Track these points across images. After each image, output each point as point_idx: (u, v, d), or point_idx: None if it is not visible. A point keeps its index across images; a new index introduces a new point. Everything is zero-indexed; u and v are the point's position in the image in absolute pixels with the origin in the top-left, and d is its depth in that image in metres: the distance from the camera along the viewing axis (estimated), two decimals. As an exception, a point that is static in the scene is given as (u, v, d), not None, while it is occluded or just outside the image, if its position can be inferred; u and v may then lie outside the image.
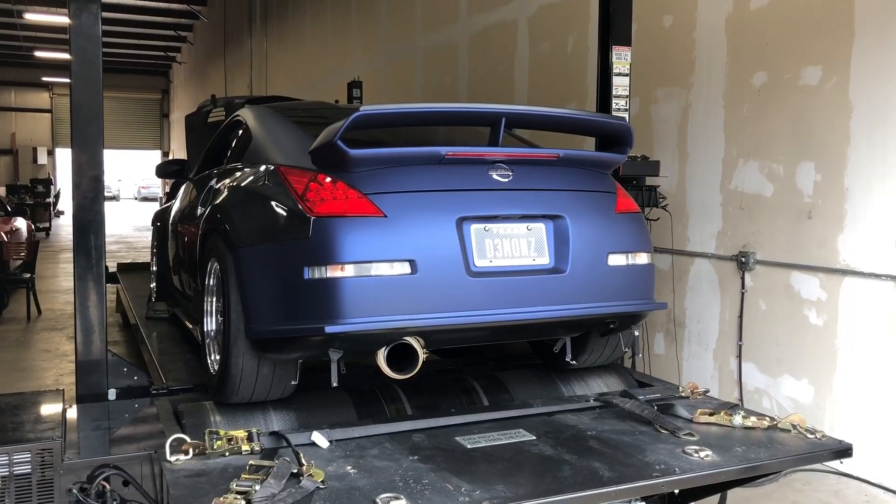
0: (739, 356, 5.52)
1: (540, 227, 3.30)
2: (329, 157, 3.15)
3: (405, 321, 2.98)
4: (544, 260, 3.27)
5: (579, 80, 7.16)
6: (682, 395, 3.83)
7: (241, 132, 4.33)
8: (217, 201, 3.77)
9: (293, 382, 3.36)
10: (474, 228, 3.16)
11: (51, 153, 33.28)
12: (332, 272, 2.95)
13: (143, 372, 3.97)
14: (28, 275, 8.68)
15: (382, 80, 12.10)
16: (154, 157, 40.14)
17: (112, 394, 3.80)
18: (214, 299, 3.73)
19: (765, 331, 5.37)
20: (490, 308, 3.10)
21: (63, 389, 3.74)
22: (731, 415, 3.42)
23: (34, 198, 22.37)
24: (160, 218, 6.01)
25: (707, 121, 5.71)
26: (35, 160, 31.01)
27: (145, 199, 44.79)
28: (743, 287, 5.46)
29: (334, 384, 3.06)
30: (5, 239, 9.16)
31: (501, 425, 3.37)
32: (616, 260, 3.38)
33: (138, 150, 40.18)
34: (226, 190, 3.81)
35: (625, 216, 3.49)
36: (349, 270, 2.95)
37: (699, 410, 3.49)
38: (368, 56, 12.96)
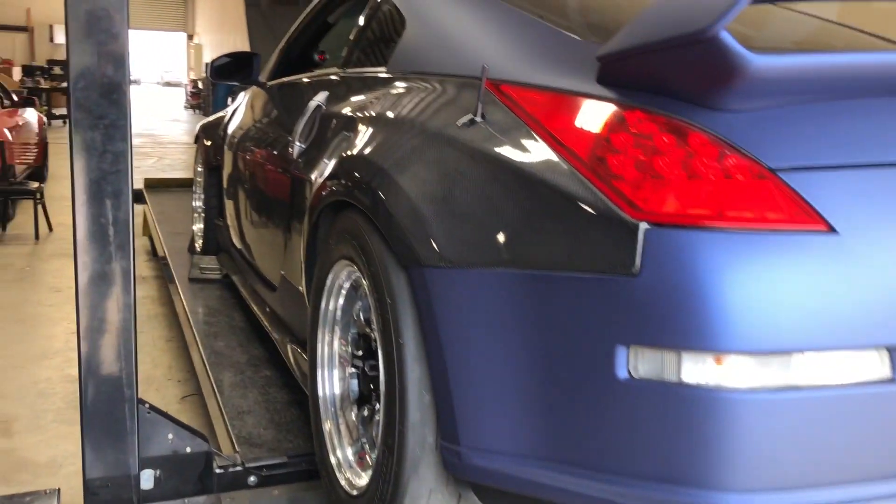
0: None
1: None
2: (670, 71, 1.30)
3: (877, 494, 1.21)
4: None
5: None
6: None
7: (368, 12, 2.44)
8: (352, 147, 1.93)
9: None
10: None
11: (69, 32, 30.55)
12: (704, 373, 1.16)
13: (199, 435, 2.24)
14: (36, 184, 6.86)
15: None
16: (178, 40, 37.62)
17: (147, 479, 2.12)
18: (338, 339, 1.95)
19: None
20: None
21: (59, 489, 2.04)
22: None
23: (51, 81, 20.16)
24: (209, 133, 4.17)
25: None
26: (52, 39, 28.35)
27: (168, 83, 42.82)
28: None
29: None
30: (9, 138, 7.24)
31: None
32: None
33: (158, 31, 37.03)
34: (370, 124, 1.96)
35: None
36: (753, 373, 1.16)
37: None
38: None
